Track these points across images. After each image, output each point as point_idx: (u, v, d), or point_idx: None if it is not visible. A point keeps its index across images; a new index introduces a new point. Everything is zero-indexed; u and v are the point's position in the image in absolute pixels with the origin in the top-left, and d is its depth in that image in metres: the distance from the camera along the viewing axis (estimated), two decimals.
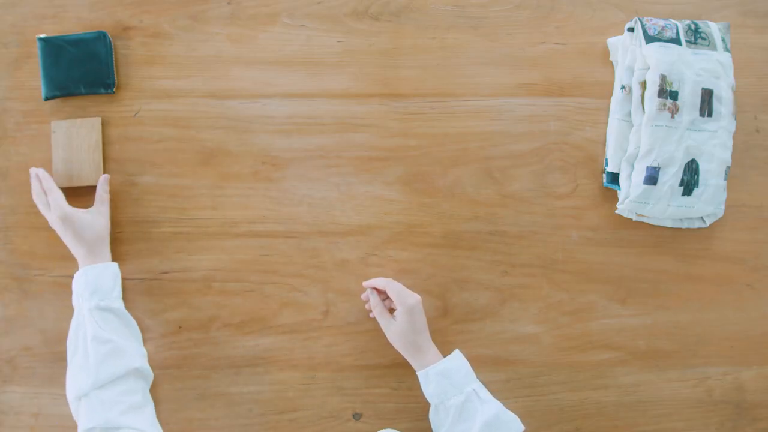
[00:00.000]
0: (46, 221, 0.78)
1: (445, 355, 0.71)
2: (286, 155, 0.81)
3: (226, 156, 0.81)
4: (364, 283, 0.76)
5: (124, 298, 0.79)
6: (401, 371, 0.79)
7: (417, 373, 0.71)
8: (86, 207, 0.78)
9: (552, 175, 0.82)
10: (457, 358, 0.71)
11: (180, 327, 0.80)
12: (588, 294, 0.81)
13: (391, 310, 0.74)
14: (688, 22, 0.80)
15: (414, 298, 0.71)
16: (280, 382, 0.79)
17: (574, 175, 0.82)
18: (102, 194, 0.77)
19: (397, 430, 0.70)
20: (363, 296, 0.77)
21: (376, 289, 0.75)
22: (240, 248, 0.80)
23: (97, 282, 0.71)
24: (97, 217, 0.75)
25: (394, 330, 0.71)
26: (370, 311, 0.75)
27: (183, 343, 0.80)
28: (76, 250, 0.74)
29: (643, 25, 0.79)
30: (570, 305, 0.81)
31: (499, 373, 0.80)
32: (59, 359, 0.79)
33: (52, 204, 0.73)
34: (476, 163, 0.81)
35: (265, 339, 0.80)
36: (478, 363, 0.79)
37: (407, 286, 0.73)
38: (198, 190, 0.81)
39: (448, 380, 0.68)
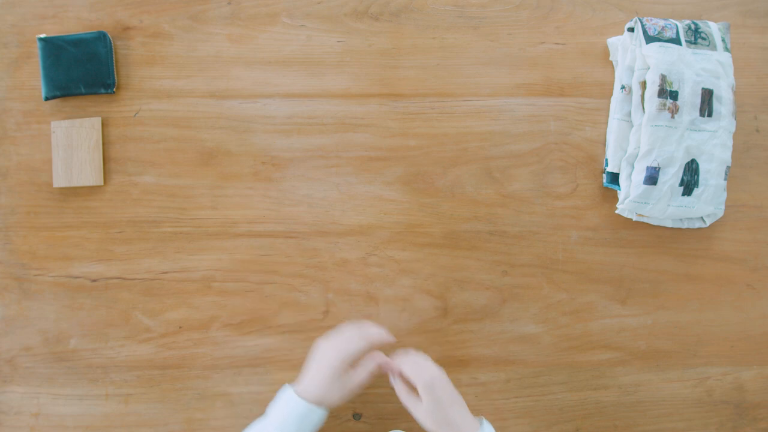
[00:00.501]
0: (47, 221, 0.79)
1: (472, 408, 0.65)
2: (286, 155, 0.81)
3: (226, 156, 0.81)
4: (380, 363, 0.68)
5: (123, 299, 0.79)
6: None
7: None
8: (86, 206, 0.78)
9: (552, 175, 0.82)
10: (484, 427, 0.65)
11: (180, 327, 0.80)
12: (588, 294, 0.81)
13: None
14: (688, 22, 0.80)
15: (429, 372, 0.64)
16: (280, 382, 0.78)
17: (574, 175, 0.82)
18: (372, 366, 0.67)
19: (401, 430, 0.69)
20: (390, 381, 0.70)
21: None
22: (240, 248, 0.80)
23: (300, 419, 0.63)
24: (353, 385, 0.66)
25: (420, 412, 0.64)
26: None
27: (183, 343, 0.80)
28: (313, 380, 0.65)
29: (643, 25, 0.79)
30: (570, 305, 0.81)
31: (499, 373, 0.80)
32: (59, 359, 0.79)
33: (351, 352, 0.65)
34: (476, 163, 0.81)
35: (265, 339, 0.79)
36: (478, 363, 0.79)
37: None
38: (198, 190, 0.81)
39: None
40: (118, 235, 0.80)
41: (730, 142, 0.79)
